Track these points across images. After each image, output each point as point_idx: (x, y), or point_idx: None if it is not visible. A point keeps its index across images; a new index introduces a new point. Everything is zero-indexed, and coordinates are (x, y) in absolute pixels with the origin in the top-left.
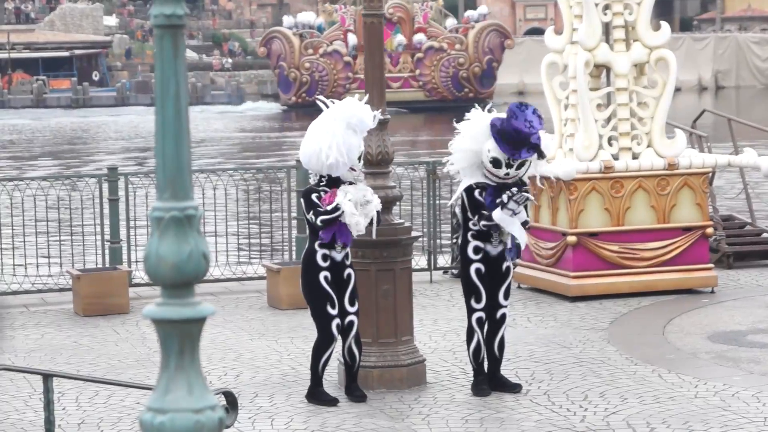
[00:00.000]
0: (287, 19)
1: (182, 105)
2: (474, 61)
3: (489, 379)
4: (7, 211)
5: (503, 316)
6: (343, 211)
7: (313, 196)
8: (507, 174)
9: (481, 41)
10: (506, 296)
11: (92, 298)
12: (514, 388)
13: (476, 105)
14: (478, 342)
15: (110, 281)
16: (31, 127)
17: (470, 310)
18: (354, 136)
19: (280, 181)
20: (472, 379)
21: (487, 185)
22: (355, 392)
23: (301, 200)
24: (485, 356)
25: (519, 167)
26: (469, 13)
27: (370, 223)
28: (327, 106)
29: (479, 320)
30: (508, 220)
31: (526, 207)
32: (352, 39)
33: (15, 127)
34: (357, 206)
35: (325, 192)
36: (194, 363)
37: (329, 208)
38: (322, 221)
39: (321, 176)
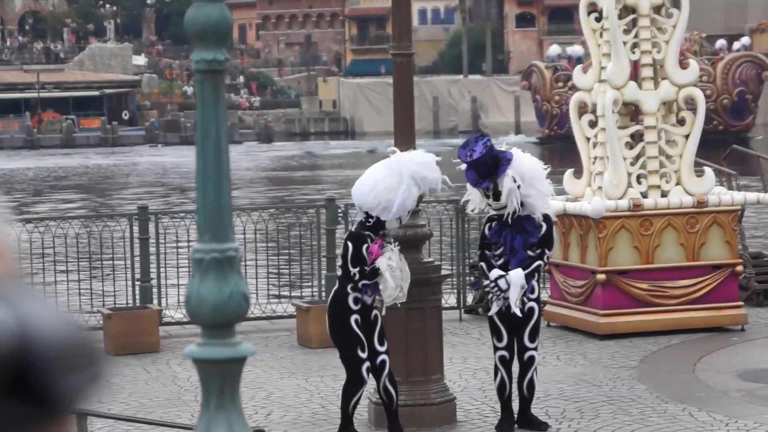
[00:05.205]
0: (553, 49)
1: (222, 148)
2: (723, 93)
3: (519, 418)
4: (38, 251)
5: (531, 358)
6: (380, 275)
7: (363, 248)
8: (490, 205)
9: (731, 72)
10: (531, 338)
11: (123, 336)
12: (541, 427)
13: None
14: (502, 379)
15: (141, 320)
16: (71, 165)
17: (493, 349)
18: (416, 190)
19: (310, 218)
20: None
21: (494, 219)
22: None
23: (348, 243)
24: (510, 394)
25: (496, 198)
26: (721, 43)
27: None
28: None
29: (502, 358)
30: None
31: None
32: None
33: (58, 166)
34: (394, 273)
35: (372, 240)
36: (235, 402)
37: (368, 269)
38: (362, 285)
39: (369, 215)
